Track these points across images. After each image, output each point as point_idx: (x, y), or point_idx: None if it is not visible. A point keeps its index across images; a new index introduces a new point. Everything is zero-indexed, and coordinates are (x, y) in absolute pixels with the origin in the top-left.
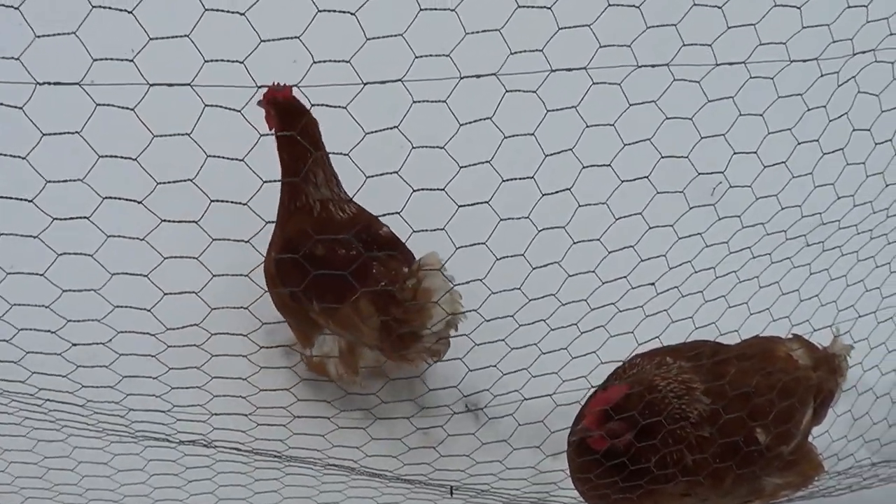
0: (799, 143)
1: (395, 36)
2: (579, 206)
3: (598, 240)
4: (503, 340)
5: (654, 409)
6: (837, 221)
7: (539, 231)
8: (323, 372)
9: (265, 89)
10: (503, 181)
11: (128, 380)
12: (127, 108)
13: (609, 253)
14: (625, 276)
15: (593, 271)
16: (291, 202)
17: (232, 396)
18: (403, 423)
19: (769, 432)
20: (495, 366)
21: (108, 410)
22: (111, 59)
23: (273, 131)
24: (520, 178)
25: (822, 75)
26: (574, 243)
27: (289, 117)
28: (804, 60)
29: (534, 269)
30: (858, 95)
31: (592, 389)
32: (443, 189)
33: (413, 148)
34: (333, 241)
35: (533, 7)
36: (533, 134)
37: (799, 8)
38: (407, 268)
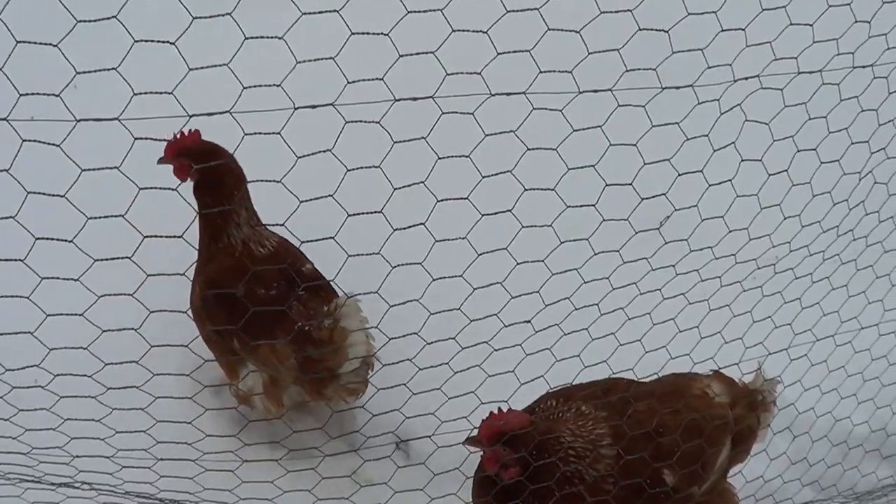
0: (742, 161)
1: (328, 59)
2: (522, 226)
3: (543, 261)
4: (447, 364)
5: (545, 455)
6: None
7: (479, 254)
8: (249, 403)
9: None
10: (438, 201)
11: (69, 423)
12: (53, 144)
13: (553, 275)
14: (568, 298)
15: (537, 292)
16: (213, 242)
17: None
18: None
19: (676, 473)
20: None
21: (53, 456)
22: (38, 93)
23: (189, 180)
24: (455, 199)
25: (761, 88)
26: (518, 264)
27: (207, 161)
28: (746, 78)
29: (475, 288)
30: (806, 113)
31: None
32: (379, 212)
33: (347, 170)
34: (254, 281)
35: (469, 31)
36: (469, 156)
37: (743, 29)
38: (327, 306)
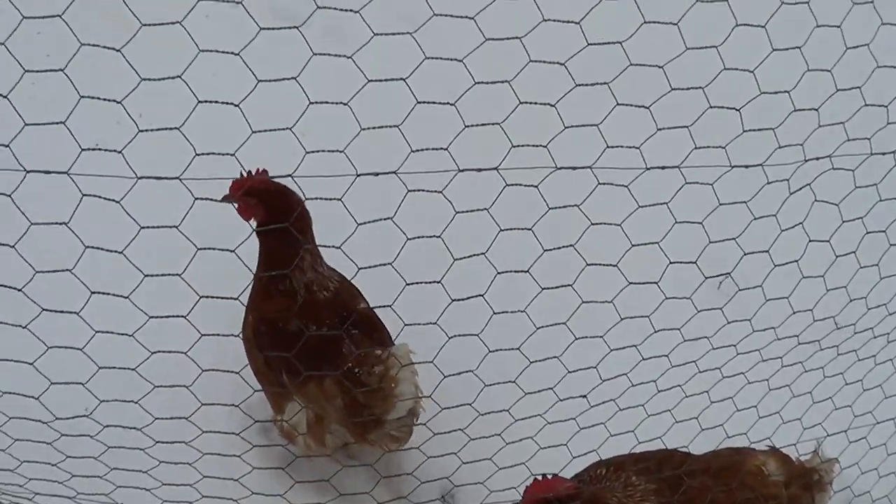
0: (810, 241)
1: (392, 127)
2: (583, 301)
3: (602, 337)
4: (499, 435)
5: None
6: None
7: (537, 328)
8: (292, 439)
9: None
10: (498, 273)
11: (112, 451)
12: (113, 200)
13: (610, 351)
14: (625, 374)
15: (595, 367)
16: (273, 284)
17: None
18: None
19: None
20: (491, 459)
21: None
22: (98, 149)
23: (255, 223)
24: (516, 271)
25: (832, 168)
26: (576, 339)
27: (278, 203)
28: (818, 158)
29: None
30: (877, 194)
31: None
32: (438, 282)
33: (408, 239)
34: (308, 317)
35: (537, 104)
36: (531, 229)
37: (817, 109)
38: (379, 349)
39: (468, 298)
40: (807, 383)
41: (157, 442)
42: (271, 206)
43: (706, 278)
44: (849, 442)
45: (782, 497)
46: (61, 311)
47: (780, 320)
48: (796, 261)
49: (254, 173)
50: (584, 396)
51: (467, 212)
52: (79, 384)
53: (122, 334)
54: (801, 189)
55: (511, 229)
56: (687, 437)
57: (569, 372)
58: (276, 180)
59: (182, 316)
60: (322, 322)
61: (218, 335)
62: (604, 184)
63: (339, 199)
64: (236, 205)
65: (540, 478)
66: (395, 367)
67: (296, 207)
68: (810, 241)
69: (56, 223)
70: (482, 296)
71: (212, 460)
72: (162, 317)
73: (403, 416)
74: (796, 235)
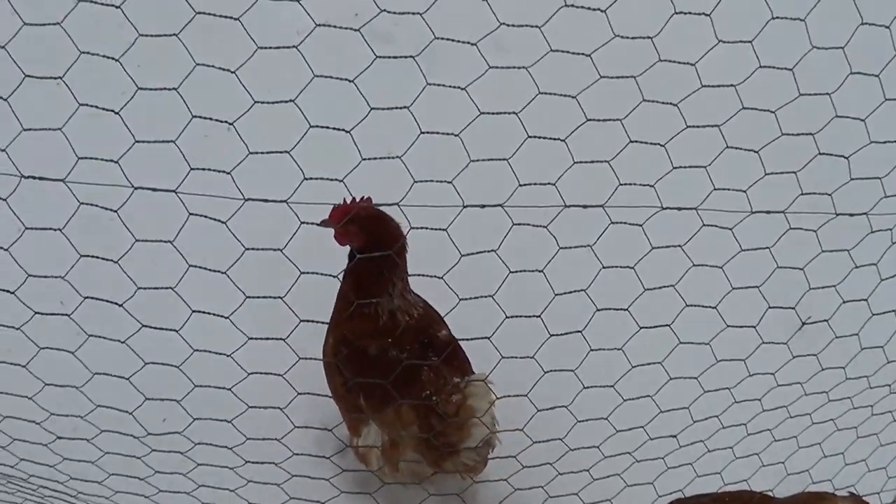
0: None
1: (501, 160)
2: (680, 342)
3: (696, 378)
4: (587, 471)
5: None
6: None
7: (633, 366)
8: (367, 462)
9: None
10: (597, 310)
11: (201, 468)
12: (219, 221)
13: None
14: (717, 416)
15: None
16: (358, 307)
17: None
18: None
19: None
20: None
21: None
22: (205, 168)
23: (355, 247)
24: (615, 309)
25: None
26: (670, 378)
27: (378, 230)
28: None
29: (626, 400)
30: None
31: None
32: (538, 316)
33: (510, 272)
34: (389, 342)
35: (647, 143)
36: (633, 267)
37: None
38: (458, 377)
39: (566, 334)
40: (894, 432)
41: (247, 462)
42: (372, 233)
43: (803, 324)
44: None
45: None
46: (161, 328)
47: (873, 369)
48: (894, 310)
49: (358, 200)
50: (675, 437)
51: (571, 248)
52: (173, 401)
53: (220, 353)
54: None
55: (613, 267)
56: (772, 483)
57: (661, 411)
58: (378, 207)
59: (281, 339)
60: (403, 348)
61: (315, 359)
62: (708, 225)
63: (445, 230)
64: (334, 230)
65: None
66: (472, 396)
67: (396, 235)
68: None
69: (162, 241)
70: (580, 332)
71: (300, 483)
72: (261, 338)
73: (479, 446)
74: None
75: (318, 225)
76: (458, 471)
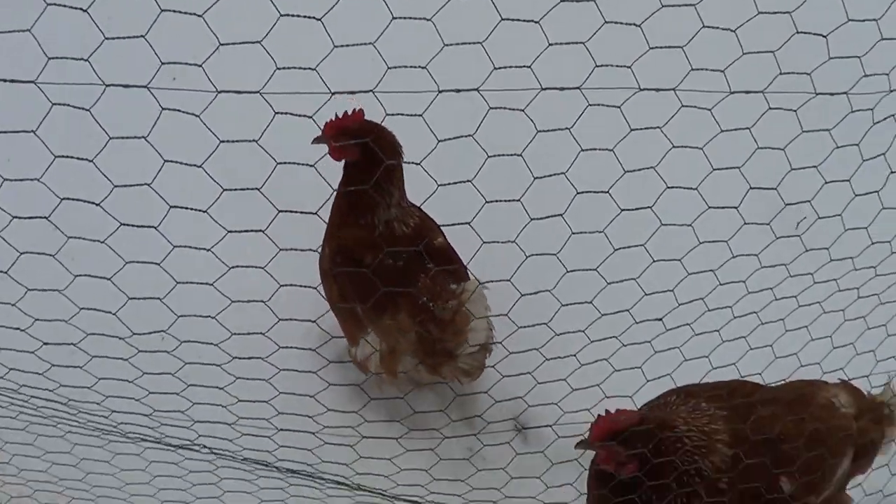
0: (892, 172)
1: (475, 44)
2: (662, 224)
3: (679, 260)
4: (574, 356)
5: (662, 449)
6: None
7: (615, 249)
8: (366, 370)
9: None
10: (577, 193)
11: (193, 389)
12: (192, 114)
13: (688, 273)
14: (702, 298)
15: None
16: (353, 215)
17: (296, 415)
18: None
19: (795, 481)
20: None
21: (175, 419)
22: (176, 62)
23: (351, 161)
24: (595, 192)
25: None
26: (654, 261)
27: (374, 144)
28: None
29: (608, 281)
30: None
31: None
32: (518, 200)
33: (488, 157)
34: (384, 251)
35: (620, 23)
36: (612, 150)
37: None
38: (455, 283)
39: (546, 218)
40: (882, 316)
41: (234, 357)
42: (367, 146)
43: (786, 205)
44: None
45: (852, 430)
46: (139, 226)
47: (858, 250)
48: (877, 191)
49: (349, 113)
50: (660, 319)
51: (549, 131)
52: (156, 299)
53: (201, 248)
54: (885, 119)
55: (591, 149)
56: (760, 366)
57: (645, 294)
58: (371, 119)
59: (261, 230)
60: (399, 256)
61: (295, 249)
62: (687, 106)
63: (421, 115)
64: (328, 146)
65: (605, 413)
66: (468, 302)
67: (393, 146)
68: (892, 172)
69: (136, 137)
70: (561, 215)
71: (288, 376)
72: (239, 231)
73: (475, 350)
74: (877, 165)
75: (312, 143)
76: (455, 376)
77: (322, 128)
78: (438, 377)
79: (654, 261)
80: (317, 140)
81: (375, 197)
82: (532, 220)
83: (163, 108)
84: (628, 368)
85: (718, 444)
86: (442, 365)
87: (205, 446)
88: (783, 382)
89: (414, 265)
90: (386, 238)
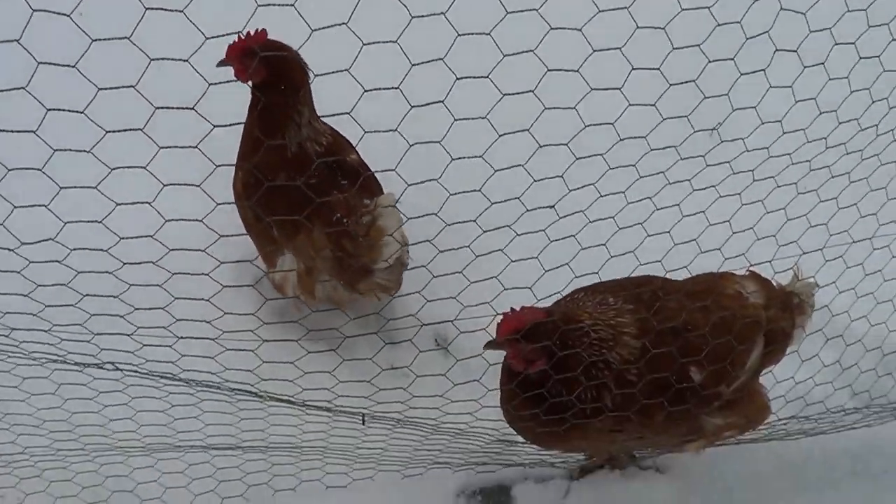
0: (805, 68)
1: None
2: (585, 125)
3: (566, 144)
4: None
5: (568, 342)
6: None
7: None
8: (284, 292)
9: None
10: (458, 79)
11: (89, 300)
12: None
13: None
14: (622, 192)
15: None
16: (267, 136)
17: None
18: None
19: (704, 370)
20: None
21: (74, 334)
22: None
23: (255, 82)
24: (518, 93)
25: None
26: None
27: (278, 61)
28: None
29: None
30: (866, 22)
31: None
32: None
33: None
34: (297, 169)
35: None
36: (534, 52)
37: None
38: (369, 199)
39: (472, 119)
40: (782, 200)
41: (126, 263)
42: (273, 66)
43: (705, 97)
44: (825, 260)
45: (761, 318)
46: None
47: (769, 141)
48: (790, 86)
49: (252, 34)
50: (552, 207)
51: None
52: (100, 251)
53: (86, 187)
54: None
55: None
56: (687, 258)
57: (570, 190)
58: (275, 38)
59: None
60: (311, 174)
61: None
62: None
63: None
64: (234, 67)
65: (510, 311)
66: (382, 216)
67: (298, 65)
68: (807, 67)
69: (67, 65)
70: (484, 117)
71: (186, 304)
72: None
73: (391, 265)
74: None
75: (217, 66)
76: (372, 291)
77: (226, 50)
78: (356, 294)
79: (577, 158)
80: (221, 63)
81: (286, 117)
82: (456, 120)
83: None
84: (557, 267)
85: (625, 337)
86: (358, 281)
87: (110, 362)
88: (691, 277)
89: (327, 183)
90: (299, 158)
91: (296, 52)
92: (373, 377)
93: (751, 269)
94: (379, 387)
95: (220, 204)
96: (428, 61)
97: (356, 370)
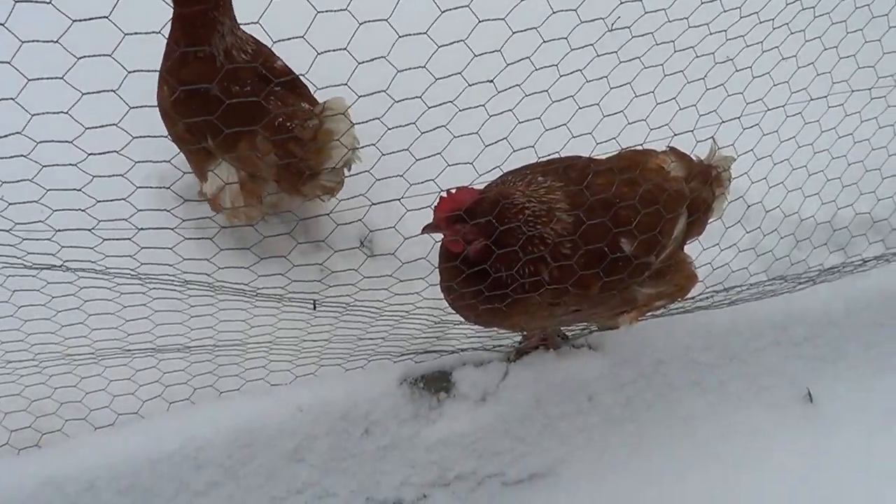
0: None
1: None
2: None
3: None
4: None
5: (506, 218)
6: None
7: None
8: (217, 206)
9: None
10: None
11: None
12: None
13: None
14: (518, 85)
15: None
16: (192, 51)
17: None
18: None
19: (634, 240)
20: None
21: (36, 232)
22: None
23: None
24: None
25: None
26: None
27: None
28: None
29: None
30: None
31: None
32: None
33: None
34: (229, 78)
35: None
36: None
37: None
38: (305, 103)
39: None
40: (699, 71)
41: (98, 201)
42: None
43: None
44: (742, 129)
45: (683, 190)
46: None
47: (689, 11)
48: None
49: None
50: (491, 81)
51: None
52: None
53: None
54: None
55: None
56: (590, 125)
57: (507, 65)
58: None
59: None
60: (244, 83)
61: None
62: None
63: None
64: None
65: (445, 194)
66: (329, 119)
67: None
68: None
69: None
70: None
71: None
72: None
73: (338, 166)
74: None
75: None
76: (316, 194)
77: None
78: (299, 197)
79: (475, 56)
80: None
81: (209, 27)
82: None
83: None
84: (490, 171)
85: (558, 212)
86: (304, 184)
87: (66, 265)
88: (615, 154)
89: (261, 88)
90: (229, 67)
91: None
92: (324, 260)
93: (670, 144)
94: (331, 269)
95: (133, 108)
96: None
97: (308, 255)
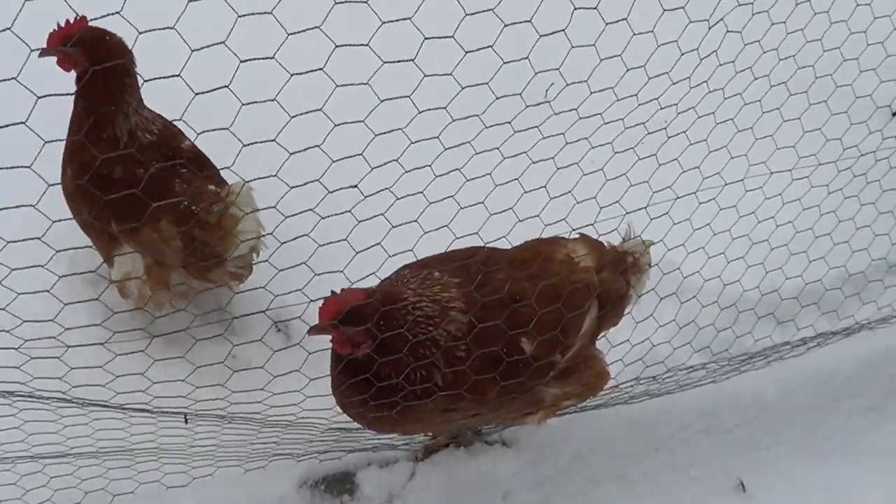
0: (634, 35)
1: None
2: (419, 111)
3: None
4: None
5: (393, 320)
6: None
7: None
8: (126, 293)
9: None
10: (338, 86)
11: None
12: None
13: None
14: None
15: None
16: (95, 133)
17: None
18: (213, 350)
19: (535, 340)
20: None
21: None
22: None
23: (79, 71)
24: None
25: None
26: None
27: (100, 49)
28: None
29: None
30: None
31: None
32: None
33: (241, 62)
34: (132, 161)
35: None
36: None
37: None
38: (213, 185)
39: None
40: (601, 162)
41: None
42: (95, 54)
43: (535, 73)
44: (650, 219)
45: (593, 282)
46: None
47: (604, 107)
48: (620, 55)
49: (72, 21)
50: (389, 189)
51: None
52: None
53: None
54: None
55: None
56: (505, 229)
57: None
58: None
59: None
60: (149, 164)
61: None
62: None
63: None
64: (56, 57)
65: (330, 294)
66: (234, 204)
67: (121, 51)
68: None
69: None
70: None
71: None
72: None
73: (245, 253)
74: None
75: (39, 56)
76: (224, 281)
77: (46, 39)
78: (208, 284)
79: (412, 142)
80: (43, 52)
81: (113, 107)
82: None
83: None
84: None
85: (452, 312)
86: (210, 270)
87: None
88: (521, 243)
89: (167, 171)
90: (132, 147)
91: (119, 38)
92: (188, 375)
93: (580, 231)
94: (196, 385)
95: (51, 185)
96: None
97: (173, 369)
